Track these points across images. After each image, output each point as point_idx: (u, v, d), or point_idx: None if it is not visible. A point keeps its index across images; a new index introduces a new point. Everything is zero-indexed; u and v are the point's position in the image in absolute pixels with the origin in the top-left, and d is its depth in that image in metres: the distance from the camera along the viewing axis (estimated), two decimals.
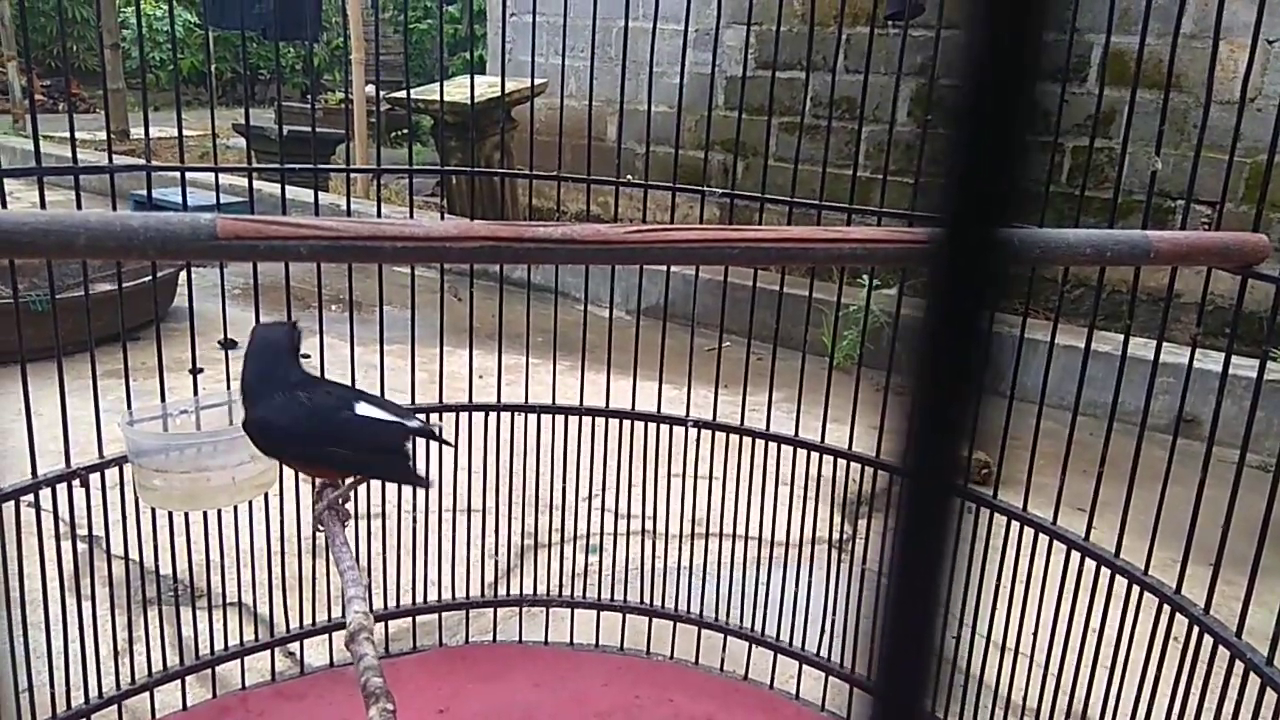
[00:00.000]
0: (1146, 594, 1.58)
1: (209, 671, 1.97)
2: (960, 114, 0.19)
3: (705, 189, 2.05)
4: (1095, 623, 1.63)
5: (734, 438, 2.08)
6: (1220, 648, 1.44)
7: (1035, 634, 1.71)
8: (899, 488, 0.21)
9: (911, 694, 0.21)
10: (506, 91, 4.38)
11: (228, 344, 2.09)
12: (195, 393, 1.72)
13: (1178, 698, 1.49)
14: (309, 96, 2.60)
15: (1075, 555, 1.68)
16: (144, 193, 1.87)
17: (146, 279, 3.43)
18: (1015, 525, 1.77)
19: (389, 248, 0.78)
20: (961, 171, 0.20)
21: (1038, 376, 1.76)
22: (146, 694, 1.87)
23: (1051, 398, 1.76)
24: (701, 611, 2.14)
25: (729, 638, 2.12)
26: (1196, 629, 1.48)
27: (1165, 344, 1.64)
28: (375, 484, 2.02)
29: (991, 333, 0.20)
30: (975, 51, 0.19)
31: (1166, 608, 1.54)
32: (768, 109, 2.15)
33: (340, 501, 1.28)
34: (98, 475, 1.74)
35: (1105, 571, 1.64)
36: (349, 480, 1.38)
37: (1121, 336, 1.67)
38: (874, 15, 2.32)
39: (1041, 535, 1.73)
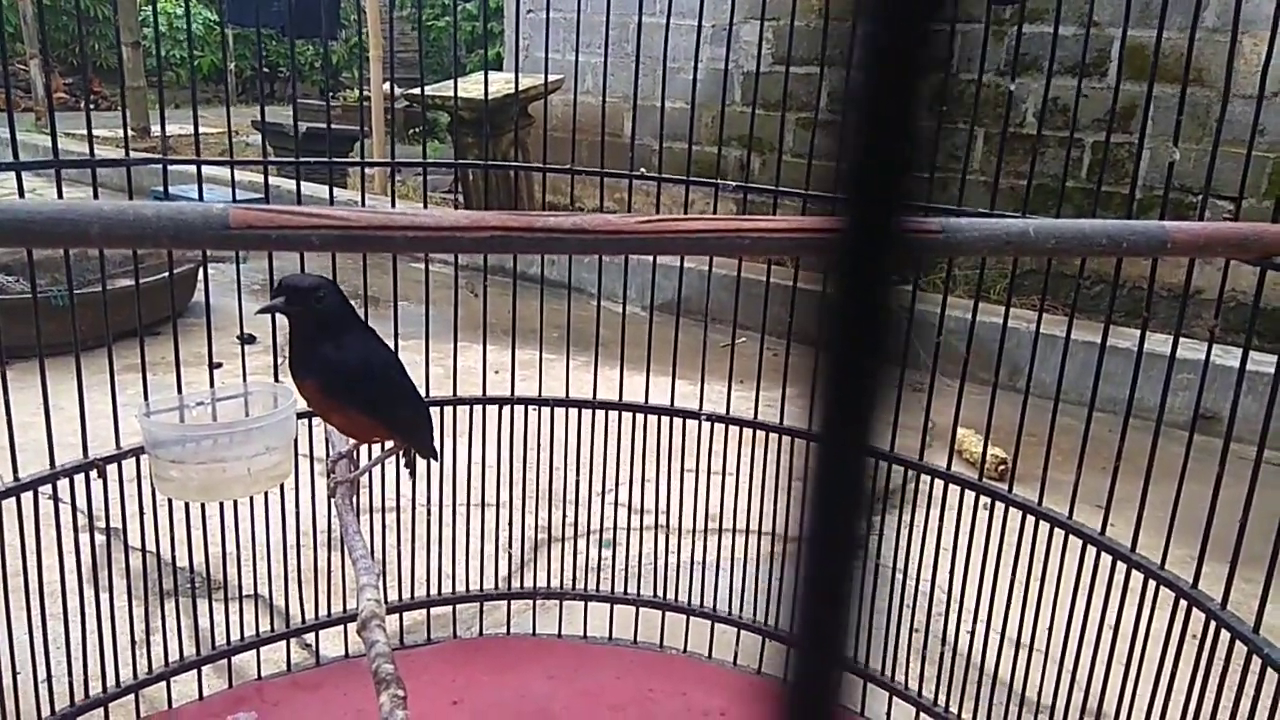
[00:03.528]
0: (1163, 589, 1.57)
1: (225, 662, 1.98)
2: (854, 98, 0.20)
3: (719, 182, 2.04)
4: (1111, 618, 1.62)
5: (748, 432, 2.08)
6: (1237, 643, 1.43)
7: (1051, 629, 1.70)
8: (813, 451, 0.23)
9: (831, 646, 0.22)
10: (522, 88, 4.38)
11: (245, 339, 2.11)
12: (212, 387, 1.73)
13: (1194, 693, 1.48)
14: (326, 93, 2.62)
15: (1091, 550, 1.67)
16: (161, 188, 1.88)
17: (164, 275, 3.45)
18: (1031, 520, 1.76)
19: (401, 237, 0.78)
20: (853, 155, 0.21)
21: (1054, 372, 1.75)
22: (164, 684, 1.89)
23: (1069, 393, 1.75)
24: (715, 605, 2.14)
25: (742, 631, 2.12)
26: (1214, 624, 1.47)
27: (1183, 339, 1.62)
28: (390, 476, 2.03)
29: (885, 307, 0.21)
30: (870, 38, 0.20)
31: (1183, 603, 1.53)
32: (783, 104, 2.14)
33: (353, 480, 1.29)
34: (115, 466, 1.75)
35: (1122, 567, 1.63)
36: (388, 445, 1.39)
37: (1139, 332, 1.66)
38: None
39: (1058, 530, 1.72)
